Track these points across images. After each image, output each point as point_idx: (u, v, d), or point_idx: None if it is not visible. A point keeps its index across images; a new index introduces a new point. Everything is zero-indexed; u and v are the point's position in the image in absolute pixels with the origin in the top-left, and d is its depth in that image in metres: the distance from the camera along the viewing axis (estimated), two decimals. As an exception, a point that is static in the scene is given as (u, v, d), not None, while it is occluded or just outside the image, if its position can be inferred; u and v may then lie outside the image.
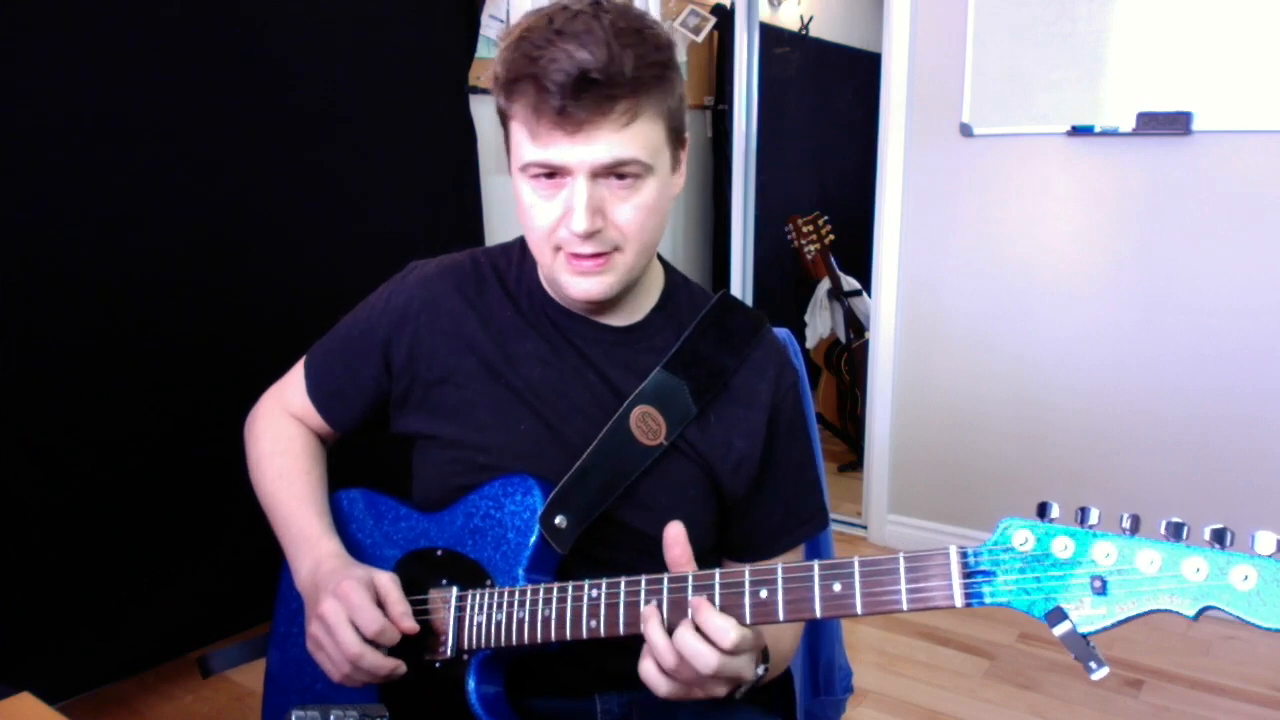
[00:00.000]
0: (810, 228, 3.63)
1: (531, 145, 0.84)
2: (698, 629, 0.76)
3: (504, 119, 0.89)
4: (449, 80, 2.58)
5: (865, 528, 2.96)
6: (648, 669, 0.79)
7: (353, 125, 2.32)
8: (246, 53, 2.06)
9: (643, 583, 0.80)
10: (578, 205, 0.84)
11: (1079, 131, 2.39)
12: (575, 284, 0.90)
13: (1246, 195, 2.24)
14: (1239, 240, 2.27)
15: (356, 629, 0.86)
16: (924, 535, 2.82)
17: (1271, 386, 2.27)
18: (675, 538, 0.81)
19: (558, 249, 0.89)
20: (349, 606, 0.87)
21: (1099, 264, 2.46)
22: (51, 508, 1.85)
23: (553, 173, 0.85)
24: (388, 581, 0.90)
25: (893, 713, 2.06)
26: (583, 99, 0.80)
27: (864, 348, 3.26)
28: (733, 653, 0.76)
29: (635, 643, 0.80)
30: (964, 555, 0.70)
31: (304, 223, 2.23)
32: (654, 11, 3.24)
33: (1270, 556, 0.60)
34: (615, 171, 0.85)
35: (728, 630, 0.75)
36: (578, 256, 0.88)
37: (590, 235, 0.85)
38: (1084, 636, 0.65)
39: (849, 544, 2.92)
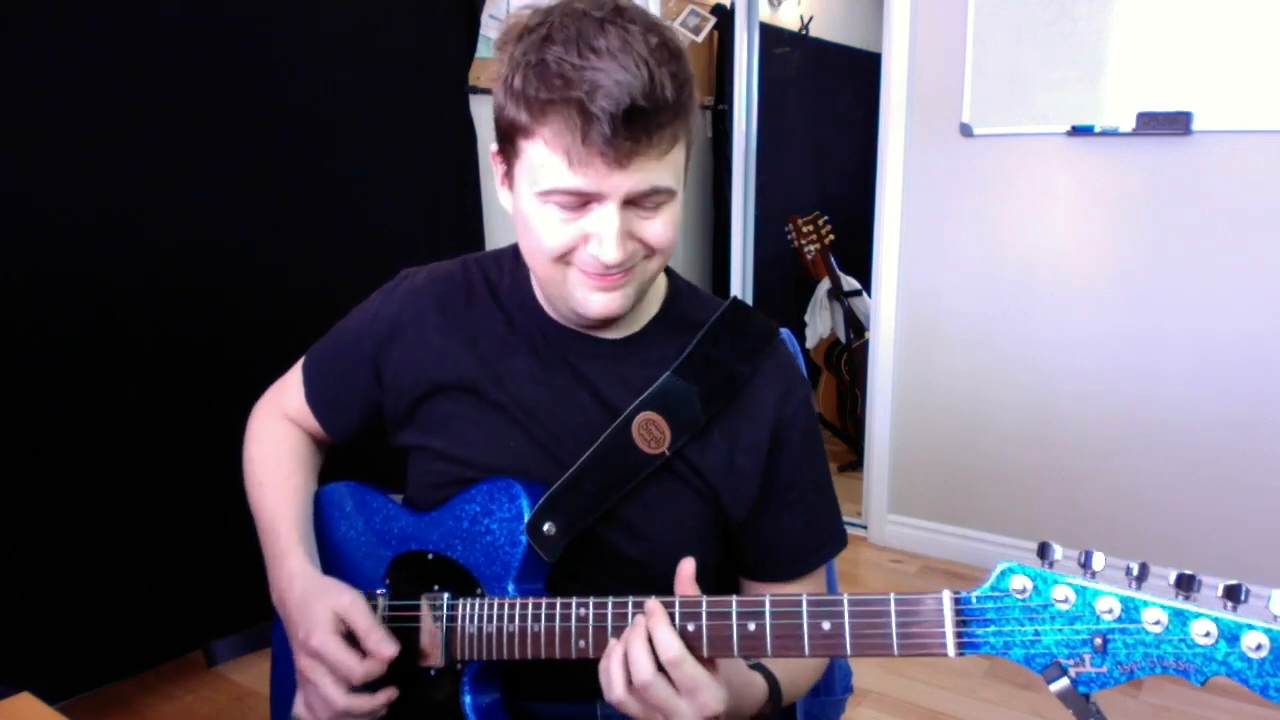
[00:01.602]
0: (810, 228, 3.64)
1: (568, 172, 0.79)
2: (648, 636, 0.75)
3: (517, 133, 0.82)
4: (449, 80, 2.58)
5: (865, 528, 2.96)
6: (609, 667, 0.77)
7: (352, 125, 2.32)
8: (246, 53, 2.06)
9: (629, 604, 0.79)
10: (608, 234, 0.80)
11: (1079, 131, 2.39)
12: (592, 301, 0.85)
13: (1246, 195, 2.24)
14: (1239, 240, 2.26)
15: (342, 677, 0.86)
16: (924, 535, 2.82)
17: (1272, 386, 2.27)
18: (686, 579, 0.79)
19: (568, 265, 0.85)
20: (327, 664, 0.87)
21: (1099, 264, 2.46)
22: (51, 508, 1.85)
23: (580, 198, 0.81)
24: (349, 606, 0.88)
25: (893, 713, 2.07)
26: (632, 129, 0.76)
27: (864, 348, 3.26)
28: (666, 673, 0.73)
29: None
30: (958, 601, 0.66)
31: (304, 222, 2.23)
32: (654, 12, 3.24)
33: None
34: (646, 198, 0.82)
35: (670, 644, 0.73)
36: (599, 275, 0.84)
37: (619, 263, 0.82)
38: (1084, 695, 0.62)
39: (849, 544, 2.91)
